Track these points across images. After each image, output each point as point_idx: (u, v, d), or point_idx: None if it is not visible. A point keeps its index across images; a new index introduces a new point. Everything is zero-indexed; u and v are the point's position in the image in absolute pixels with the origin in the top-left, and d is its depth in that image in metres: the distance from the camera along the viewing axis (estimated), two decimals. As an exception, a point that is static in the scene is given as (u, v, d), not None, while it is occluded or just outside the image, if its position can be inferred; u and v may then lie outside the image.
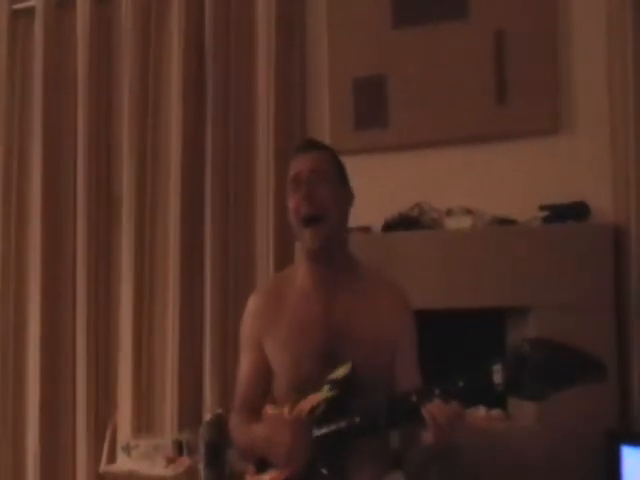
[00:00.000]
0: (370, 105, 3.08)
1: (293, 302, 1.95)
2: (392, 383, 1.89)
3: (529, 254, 2.59)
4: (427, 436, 1.66)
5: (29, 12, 3.69)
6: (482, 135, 2.89)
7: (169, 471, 2.88)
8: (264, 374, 1.97)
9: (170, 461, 2.93)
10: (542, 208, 2.67)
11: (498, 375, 1.59)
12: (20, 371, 3.58)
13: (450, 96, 2.93)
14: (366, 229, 2.97)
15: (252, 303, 2.02)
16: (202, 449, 2.79)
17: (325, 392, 1.81)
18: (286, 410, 1.85)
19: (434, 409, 1.62)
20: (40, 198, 3.55)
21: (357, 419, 1.75)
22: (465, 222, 2.80)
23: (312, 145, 2.03)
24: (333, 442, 1.78)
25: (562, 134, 2.80)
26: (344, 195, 1.99)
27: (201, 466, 2.79)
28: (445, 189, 2.93)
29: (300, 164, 1.93)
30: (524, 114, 2.82)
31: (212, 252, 3.21)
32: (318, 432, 1.78)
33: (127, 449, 3.06)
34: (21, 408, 3.56)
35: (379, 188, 3.04)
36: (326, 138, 3.14)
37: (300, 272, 1.99)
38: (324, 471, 1.76)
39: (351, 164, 3.06)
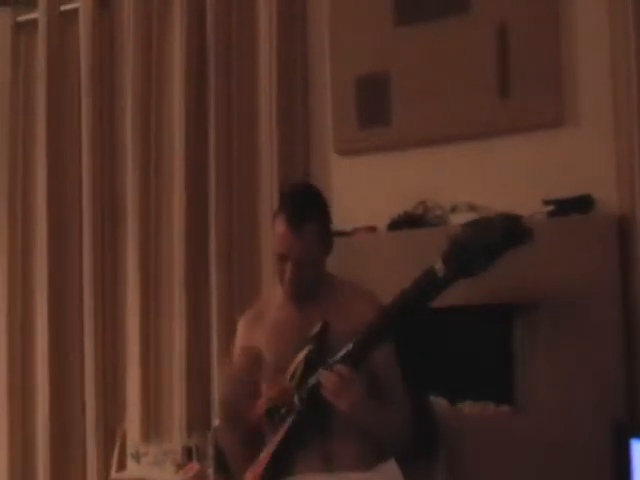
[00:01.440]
0: (373, 103, 3.06)
1: (273, 313, 2.14)
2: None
3: (535, 248, 2.56)
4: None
5: (32, 24, 3.72)
6: (486, 130, 2.87)
7: (179, 477, 2.88)
8: (245, 384, 2.10)
9: (180, 467, 2.92)
10: (546, 203, 2.65)
11: (439, 265, 1.82)
12: (29, 378, 3.58)
13: (453, 92, 2.91)
14: (372, 229, 2.97)
15: (240, 325, 2.23)
16: (211, 454, 2.78)
17: (301, 354, 1.95)
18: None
19: (321, 378, 1.85)
20: (45, 201, 3.56)
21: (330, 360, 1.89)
22: (470, 218, 2.78)
23: (297, 218, 1.99)
24: (315, 391, 1.88)
25: (566, 127, 2.77)
26: (325, 253, 2.10)
27: (210, 471, 2.78)
28: (449, 186, 2.91)
29: (286, 247, 2.00)
30: (527, 108, 2.79)
31: (217, 257, 3.20)
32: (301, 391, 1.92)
33: (136, 456, 3.06)
34: (30, 416, 3.56)
35: (384, 187, 3.05)
36: (329, 137, 3.14)
37: (278, 296, 2.14)
38: (295, 401, 1.91)
39: (355, 164, 3.11)
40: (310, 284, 2.03)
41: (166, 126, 3.39)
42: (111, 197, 3.53)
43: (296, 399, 1.91)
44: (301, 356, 1.93)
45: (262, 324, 2.13)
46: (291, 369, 1.95)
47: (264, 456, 1.94)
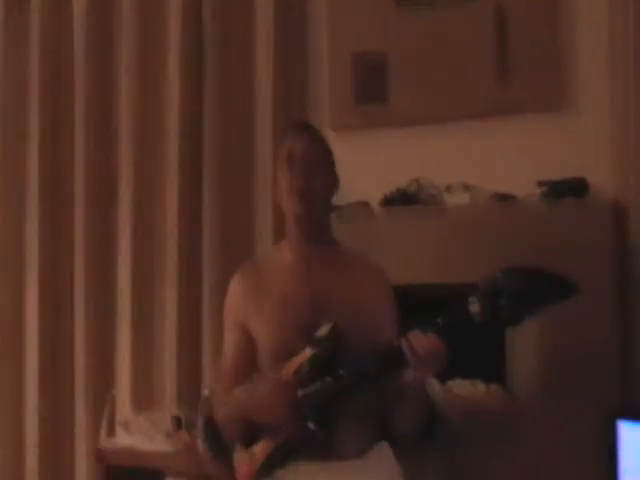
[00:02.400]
0: (370, 80, 3.06)
1: (276, 279, 2.02)
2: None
3: (528, 230, 2.58)
4: (408, 373, 1.75)
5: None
6: (482, 112, 2.87)
7: (168, 446, 2.89)
8: (249, 353, 2.01)
9: (169, 436, 2.94)
10: (541, 184, 2.66)
11: (475, 306, 1.70)
12: (18, 346, 3.59)
13: (451, 73, 2.91)
14: (364, 204, 2.97)
15: (235, 287, 2.08)
16: (201, 424, 2.80)
17: (308, 351, 1.85)
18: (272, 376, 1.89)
19: (412, 339, 1.72)
20: (38, 175, 3.56)
21: (342, 372, 1.80)
22: (464, 198, 2.80)
23: (304, 128, 2.11)
24: (321, 399, 1.81)
25: (563, 111, 2.78)
26: (331, 182, 2.07)
27: (200, 441, 2.80)
28: (444, 165, 2.92)
29: (293, 148, 2.00)
30: (525, 91, 2.80)
31: (211, 228, 3.21)
32: (304, 391, 1.81)
33: (126, 425, 3.07)
34: (20, 383, 3.58)
35: (378, 163, 3.05)
36: (325, 113, 3.14)
37: (284, 251, 2.07)
38: (311, 426, 1.79)
39: (350, 139, 3.11)
40: (317, 211, 1.98)
41: (161, 99, 3.38)
42: (105, 164, 3.51)
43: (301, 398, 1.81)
44: (308, 354, 1.85)
45: (264, 289, 2.01)
46: (295, 363, 1.86)
47: (259, 452, 1.87)
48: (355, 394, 1.84)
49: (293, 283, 1.99)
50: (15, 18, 3.71)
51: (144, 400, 3.30)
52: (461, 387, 2.66)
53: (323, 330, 1.87)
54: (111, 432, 3.23)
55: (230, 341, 2.04)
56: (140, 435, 3.00)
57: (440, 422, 2.25)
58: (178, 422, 3.00)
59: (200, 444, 2.77)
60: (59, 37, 3.60)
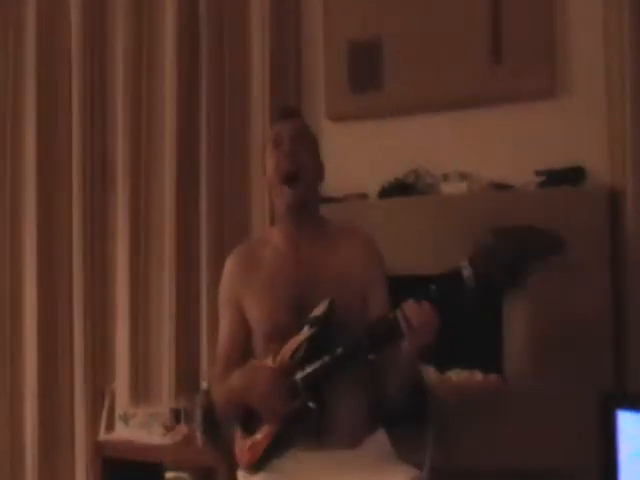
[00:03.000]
0: (365, 69, 3.04)
1: (267, 260, 2.05)
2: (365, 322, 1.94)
3: (525, 219, 2.56)
4: (404, 343, 1.75)
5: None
6: (478, 98, 2.86)
7: (167, 439, 2.89)
8: (243, 335, 2.03)
9: (168, 429, 2.94)
10: (538, 173, 2.65)
11: (467, 270, 1.71)
12: (17, 340, 3.58)
13: (446, 59, 2.89)
14: (363, 195, 2.97)
15: (228, 266, 2.12)
16: (199, 417, 2.80)
17: (306, 331, 1.86)
18: (269, 360, 1.89)
19: (406, 309, 1.72)
20: (35, 160, 3.54)
21: (339, 349, 1.81)
22: (461, 187, 2.79)
23: (290, 113, 2.14)
24: (319, 378, 1.82)
25: (558, 97, 2.76)
26: (319, 165, 2.09)
27: (199, 434, 2.80)
28: (441, 154, 2.91)
29: (282, 126, 2.04)
30: (520, 76, 2.78)
31: (207, 216, 3.21)
32: (304, 373, 1.82)
33: (125, 418, 3.07)
34: (19, 377, 3.57)
35: (375, 153, 3.05)
36: (321, 102, 3.13)
37: (274, 234, 2.09)
38: (311, 405, 1.81)
39: (346, 129, 3.10)
40: (306, 191, 1.98)
41: (158, 84, 3.36)
42: (102, 155, 3.50)
43: (299, 381, 1.83)
44: (305, 334, 1.85)
45: (255, 270, 2.03)
46: (292, 345, 1.86)
47: (261, 439, 1.88)
48: (351, 369, 1.85)
49: (281, 262, 2.01)
50: (11, 1, 3.69)
51: (143, 393, 3.29)
52: (459, 376, 2.67)
53: (320, 308, 1.87)
54: (110, 425, 3.24)
55: (224, 324, 2.07)
56: (139, 428, 3.00)
57: (432, 405, 2.24)
58: (177, 415, 3.00)
59: (199, 436, 2.79)
60: (55, 21, 3.58)
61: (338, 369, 1.83)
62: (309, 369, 1.82)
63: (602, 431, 2.09)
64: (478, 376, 2.66)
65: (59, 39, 3.57)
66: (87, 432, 3.37)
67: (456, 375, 2.68)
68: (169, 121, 3.28)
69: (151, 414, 3.04)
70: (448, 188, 2.81)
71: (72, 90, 3.50)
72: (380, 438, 2.01)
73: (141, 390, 3.29)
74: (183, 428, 2.93)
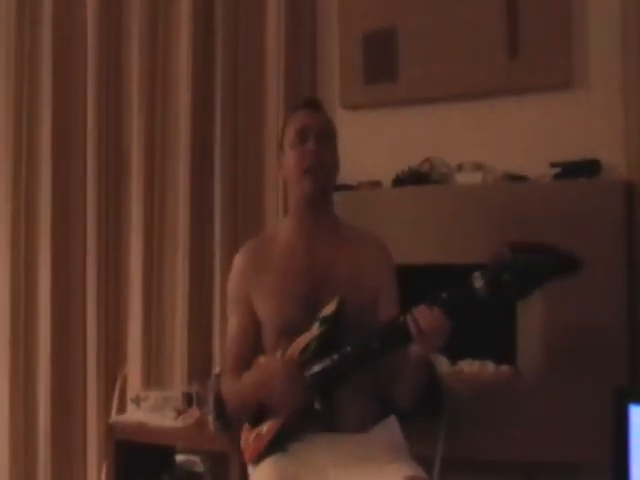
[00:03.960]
0: (380, 59, 3.04)
1: (278, 255, 2.04)
2: (375, 322, 1.95)
3: (540, 210, 2.57)
4: (414, 347, 1.76)
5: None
6: (494, 89, 2.86)
7: (178, 423, 2.90)
8: (253, 331, 2.03)
9: (180, 413, 2.95)
10: (553, 165, 2.65)
11: (479, 281, 1.71)
12: (31, 324, 3.60)
13: (461, 50, 2.89)
14: (376, 184, 2.97)
15: (237, 262, 2.10)
16: (211, 401, 2.81)
17: (315, 329, 1.87)
18: (278, 355, 1.90)
19: (417, 315, 1.73)
20: (50, 151, 3.55)
21: (348, 349, 1.81)
22: (475, 177, 2.79)
23: (318, 105, 2.11)
24: (329, 377, 1.83)
25: (575, 89, 2.76)
26: (337, 159, 2.09)
27: (210, 418, 2.82)
28: (456, 144, 2.91)
29: (308, 119, 2.02)
30: (537, 68, 2.78)
31: (222, 205, 3.22)
32: (312, 371, 1.82)
33: (137, 401, 3.09)
34: (32, 360, 3.59)
35: (389, 143, 3.05)
36: (336, 92, 3.13)
37: (285, 227, 2.09)
38: (317, 405, 1.81)
39: (361, 118, 3.11)
40: (326, 190, 2.00)
41: (172, 76, 3.36)
42: (116, 143, 3.51)
43: (307, 378, 1.83)
44: (315, 332, 1.86)
45: (265, 266, 2.03)
46: (301, 342, 1.87)
47: (265, 432, 1.89)
48: (360, 369, 1.85)
49: (293, 257, 2.01)
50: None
51: (155, 377, 3.32)
52: (471, 367, 2.67)
53: (330, 307, 1.87)
54: (122, 408, 3.26)
55: (233, 320, 2.07)
56: (151, 411, 3.02)
57: (446, 397, 2.25)
58: (189, 399, 3.01)
59: (210, 421, 2.81)
60: (70, 7, 3.59)
61: (347, 369, 1.83)
62: (317, 367, 1.83)
63: (615, 425, 2.09)
64: (490, 367, 2.66)
65: (75, 28, 3.57)
66: (99, 414, 3.40)
67: (468, 365, 2.68)
68: (183, 112, 3.29)
69: (163, 397, 3.05)
70: (463, 178, 2.81)
71: (87, 80, 3.50)
72: (391, 424, 2.02)
73: (153, 373, 3.32)
74: (195, 412, 2.94)
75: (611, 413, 2.13)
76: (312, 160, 1.96)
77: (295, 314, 1.94)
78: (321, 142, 1.98)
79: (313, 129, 1.99)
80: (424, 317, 1.73)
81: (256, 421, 1.94)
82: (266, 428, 1.90)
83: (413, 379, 1.89)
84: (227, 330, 2.11)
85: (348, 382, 1.86)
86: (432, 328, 1.72)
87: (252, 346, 2.03)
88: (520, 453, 2.54)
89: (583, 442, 2.44)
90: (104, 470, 3.12)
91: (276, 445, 1.88)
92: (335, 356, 1.82)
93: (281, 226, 2.13)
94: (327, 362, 1.82)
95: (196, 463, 3.12)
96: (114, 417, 3.20)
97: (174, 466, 3.10)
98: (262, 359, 1.96)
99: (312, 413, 1.82)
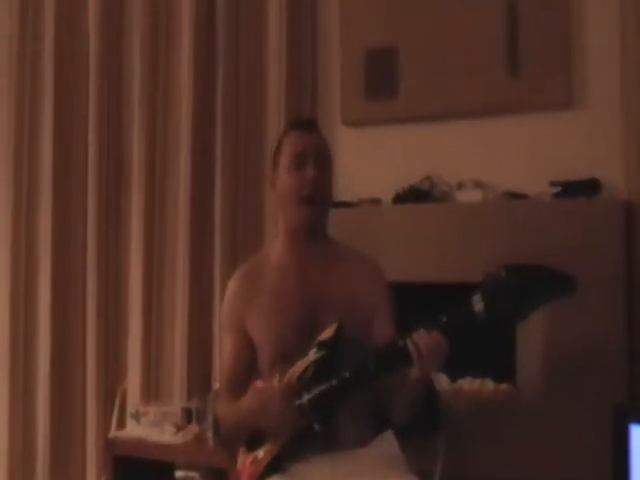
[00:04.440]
0: (381, 76, 3.05)
1: (271, 279, 2.03)
2: (371, 343, 1.94)
3: (540, 229, 2.58)
4: (413, 371, 1.76)
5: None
6: (494, 107, 2.87)
7: (178, 438, 2.91)
8: (247, 355, 2.03)
9: (179, 428, 2.96)
10: (553, 184, 2.65)
11: (479, 304, 1.71)
12: (31, 338, 3.61)
13: (462, 68, 2.90)
14: (376, 201, 2.98)
15: (231, 287, 2.09)
16: (211, 417, 2.82)
17: (313, 354, 1.86)
18: (276, 380, 1.90)
19: (416, 338, 1.73)
20: (51, 160, 3.57)
21: (347, 374, 1.81)
22: (476, 196, 2.80)
23: (313, 125, 2.08)
24: (326, 401, 1.82)
25: (574, 108, 2.77)
26: (333, 181, 2.07)
27: (210, 434, 2.82)
28: (456, 162, 2.92)
29: (305, 143, 1.99)
30: (536, 86, 2.79)
31: (222, 217, 3.22)
32: (309, 395, 1.82)
33: (136, 416, 3.09)
34: (31, 373, 3.60)
35: (389, 160, 3.06)
36: (336, 108, 3.14)
37: (277, 249, 2.07)
38: (316, 427, 1.81)
39: (361, 135, 3.12)
40: (324, 215, 2.00)
41: (174, 84, 3.38)
42: (117, 154, 3.52)
43: (306, 402, 1.82)
44: (312, 357, 1.85)
45: (259, 290, 2.01)
46: (299, 368, 1.86)
47: (263, 455, 1.88)
48: (358, 392, 1.85)
49: (286, 280, 2.00)
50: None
51: (155, 392, 3.32)
52: (471, 385, 2.68)
53: (328, 332, 1.87)
54: (121, 423, 3.26)
55: (228, 347, 2.06)
56: (150, 426, 3.02)
57: (445, 413, 2.25)
58: (188, 414, 3.02)
59: (210, 437, 2.81)
60: (74, 6, 3.62)
61: (345, 393, 1.83)
62: (316, 391, 1.82)
63: (615, 444, 2.10)
64: (490, 385, 2.67)
65: (77, 30, 3.61)
66: (98, 429, 3.40)
67: (468, 384, 2.69)
68: (184, 123, 3.30)
69: (163, 413, 3.06)
70: (463, 196, 2.82)
71: (89, 84, 3.53)
72: (388, 439, 2.01)
73: (153, 389, 3.32)
74: (194, 428, 2.95)
75: (611, 432, 2.13)
76: (311, 188, 1.94)
77: (290, 336, 1.93)
78: (320, 167, 1.96)
79: (310, 154, 1.96)
80: (424, 341, 1.73)
81: (251, 444, 1.94)
82: (262, 452, 1.89)
83: (410, 398, 1.88)
84: (221, 354, 2.11)
85: (347, 404, 1.86)
86: (432, 351, 1.73)
87: (246, 370, 2.03)
88: (519, 471, 2.53)
89: (583, 460, 2.44)
90: (103, 486, 3.12)
91: (273, 468, 1.87)
92: (334, 381, 1.82)
93: (273, 248, 2.11)
94: (324, 386, 1.82)
95: (195, 479, 3.11)
96: (113, 432, 3.20)
97: (173, 482, 3.10)
98: (259, 383, 1.96)
99: (311, 435, 1.82)
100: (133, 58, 3.48)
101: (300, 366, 1.87)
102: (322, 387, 1.82)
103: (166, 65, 3.40)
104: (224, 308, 2.10)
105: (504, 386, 2.66)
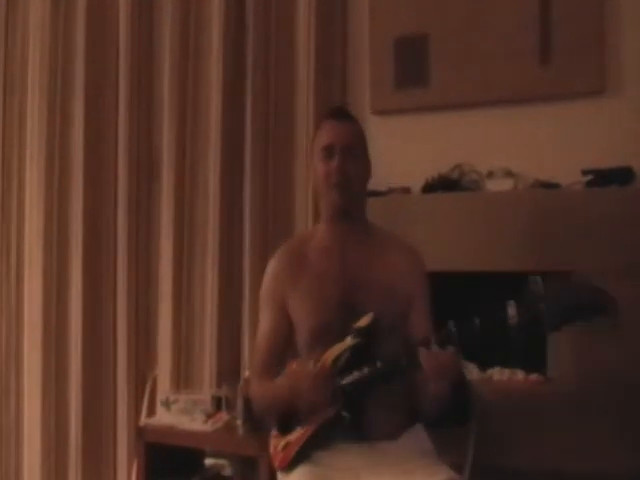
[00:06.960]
0: (411, 64, 3.04)
1: (313, 258, 2.07)
2: (406, 332, 1.98)
3: (571, 218, 2.55)
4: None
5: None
6: (525, 96, 2.85)
7: (208, 426, 2.92)
8: (284, 333, 2.06)
9: (209, 416, 2.97)
10: (585, 173, 2.63)
11: (512, 309, 1.70)
12: (63, 327, 3.64)
13: (493, 56, 2.88)
14: (406, 189, 2.97)
15: (272, 266, 2.14)
16: (240, 405, 2.83)
17: (349, 341, 1.90)
18: (311, 363, 1.91)
19: (426, 356, 1.74)
20: (82, 154, 3.59)
21: (379, 364, 1.83)
22: (506, 184, 2.77)
23: (344, 115, 2.12)
24: (358, 388, 1.85)
25: (607, 96, 2.74)
26: (366, 167, 2.12)
27: (239, 422, 2.83)
28: (486, 151, 2.90)
29: (334, 135, 2.04)
30: (569, 74, 2.76)
31: (252, 206, 3.23)
32: (342, 381, 1.85)
33: (166, 404, 3.11)
34: (63, 363, 3.63)
35: (419, 148, 3.04)
36: (366, 98, 3.13)
37: (320, 232, 2.12)
38: (345, 414, 1.84)
39: (391, 124, 3.11)
40: (355, 199, 2.04)
41: (204, 77, 3.38)
42: (147, 146, 3.54)
43: (340, 385, 1.84)
44: (348, 343, 1.89)
45: (301, 269, 2.06)
46: (334, 352, 1.89)
47: (295, 440, 1.91)
48: (388, 383, 1.87)
49: (328, 261, 2.04)
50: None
51: (185, 380, 3.34)
52: (501, 375, 2.66)
53: (364, 320, 1.90)
54: (152, 410, 3.29)
55: (265, 325, 2.09)
56: (180, 414, 3.04)
57: (475, 404, 2.24)
58: (218, 402, 3.03)
59: (240, 424, 2.82)
60: (105, 7, 3.63)
61: (375, 382, 1.85)
62: (348, 379, 1.85)
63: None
64: (520, 375, 2.66)
65: (107, 28, 3.61)
66: (129, 417, 3.43)
67: (497, 374, 2.68)
68: (214, 116, 3.31)
69: (193, 400, 3.07)
70: (493, 185, 2.80)
71: (119, 83, 3.55)
72: (418, 432, 2.02)
73: (183, 377, 3.34)
74: (224, 415, 2.96)
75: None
76: (337, 176, 2.00)
77: (329, 316, 1.97)
78: (346, 156, 2.01)
79: (338, 145, 2.01)
80: (435, 361, 1.73)
81: (283, 427, 1.96)
82: (295, 436, 1.92)
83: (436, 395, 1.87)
84: (257, 330, 2.13)
85: (376, 393, 1.87)
86: (442, 369, 1.74)
87: (282, 347, 2.06)
88: (550, 461, 2.52)
89: (615, 452, 2.42)
90: (134, 472, 3.15)
91: (306, 453, 1.90)
92: (365, 369, 1.84)
93: (316, 231, 2.16)
94: (357, 374, 1.85)
95: (224, 466, 3.14)
96: (144, 420, 3.23)
97: (203, 469, 3.13)
98: (294, 365, 1.98)
99: (340, 422, 1.84)
100: (163, 51, 3.49)
101: (335, 350, 1.90)
102: (354, 375, 1.84)
103: (195, 54, 3.40)
104: (264, 285, 2.13)
105: (534, 376, 2.65)
